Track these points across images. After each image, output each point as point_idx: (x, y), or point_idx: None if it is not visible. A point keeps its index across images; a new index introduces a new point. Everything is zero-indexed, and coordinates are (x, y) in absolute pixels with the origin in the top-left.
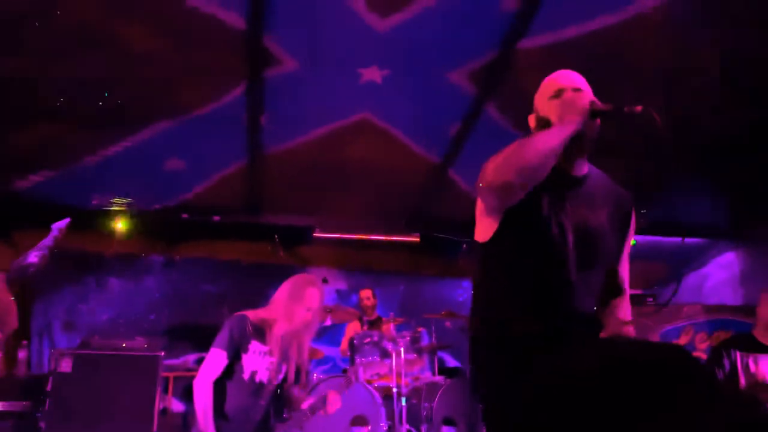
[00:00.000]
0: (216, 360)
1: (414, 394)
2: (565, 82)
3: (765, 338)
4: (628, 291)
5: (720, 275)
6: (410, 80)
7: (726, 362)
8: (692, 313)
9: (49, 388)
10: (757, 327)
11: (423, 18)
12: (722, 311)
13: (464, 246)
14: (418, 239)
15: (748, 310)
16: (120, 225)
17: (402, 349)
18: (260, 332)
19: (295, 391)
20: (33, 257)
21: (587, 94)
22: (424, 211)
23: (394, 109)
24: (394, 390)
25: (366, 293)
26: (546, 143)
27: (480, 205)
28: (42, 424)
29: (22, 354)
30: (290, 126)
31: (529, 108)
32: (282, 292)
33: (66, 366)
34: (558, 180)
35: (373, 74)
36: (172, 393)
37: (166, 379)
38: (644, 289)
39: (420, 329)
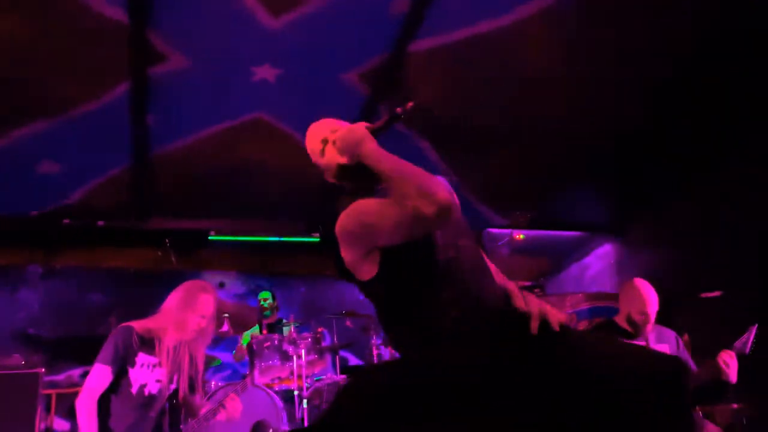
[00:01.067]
0: (100, 376)
1: (316, 395)
2: (322, 132)
3: (625, 324)
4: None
5: (598, 265)
6: (303, 80)
7: None
8: (575, 302)
9: None
10: (619, 314)
11: (315, 18)
12: (601, 299)
13: None
14: (318, 239)
15: None
16: None
17: (303, 351)
18: (148, 343)
19: (195, 399)
20: None
21: (350, 126)
22: (323, 211)
23: (289, 109)
24: (296, 393)
25: (265, 295)
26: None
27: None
28: None
29: None
30: (180, 126)
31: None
32: (172, 300)
33: None
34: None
35: (266, 72)
36: (55, 411)
37: (48, 396)
38: (532, 280)
39: (321, 329)
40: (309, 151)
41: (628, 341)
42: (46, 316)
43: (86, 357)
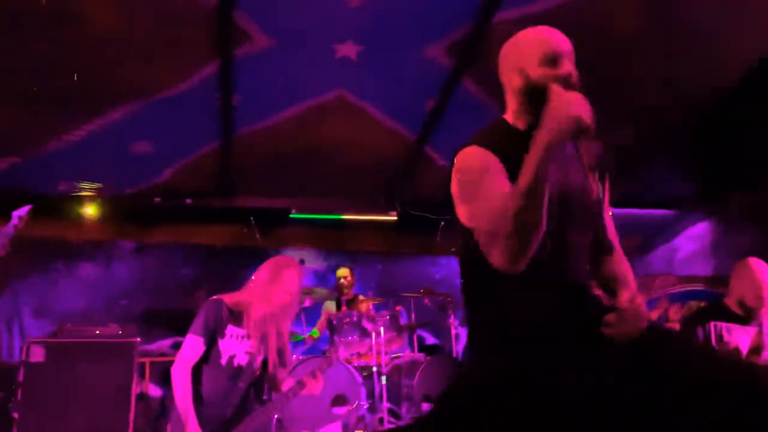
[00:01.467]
0: (192, 346)
1: (394, 372)
2: (563, 47)
3: (737, 308)
4: (618, 246)
5: (690, 247)
6: (385, 55)
7: (700, 332)
8: (665, 285)
9: (20, 378)
10: (730, 297)
11: None
12: (695, 282)
13: (442, 224)
14: (395, 218)
15: (720, 280)
16: (89, 210)
17: (381, 328)
18: (237, 316)
19: (279, 374)
20: None
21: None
22: (401, 189)
23: (370, 86)
24: (374, 369)
25: (344, 272)
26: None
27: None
28: (15, 415)
29: None
30: (263, 105)
31: None
32: (260, 275)
33: (38, 355)
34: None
35: (347, 50)
36: (149, 378)
37: (143, 364)
38: None
39: (398, 308)
40: (522, 52)
41: (739, 326)
42: (138, 290)
43: (176, 328)
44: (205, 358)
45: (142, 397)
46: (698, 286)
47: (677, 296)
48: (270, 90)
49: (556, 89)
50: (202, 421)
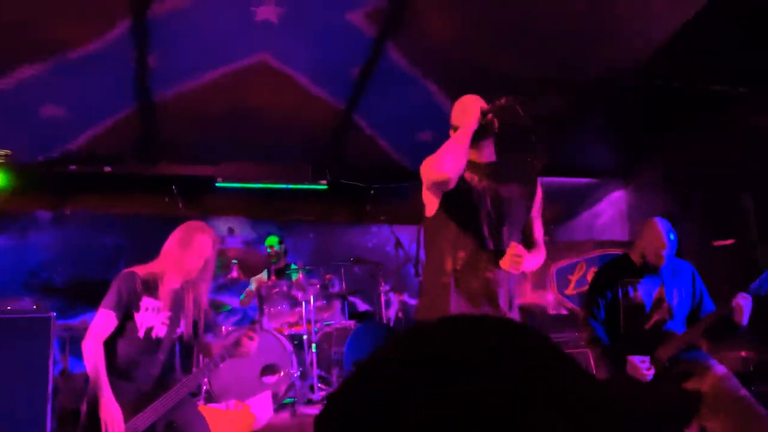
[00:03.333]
0: (104, 320)
1: (324, 340)
2: (469, 102)
3: (639, 261)
4: (540, 243)
5: (610, 212)
6: (308, 20)
7: (609, 294)
8: (584, 249)
9: None
10: (634, 251)
11: None
12: (612, 246)
13: (372, 192)
14: (325, 186)
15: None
16: (0, 179)
17: (311, 297)
18: (151, 287)
19: (207, 339)
20: None
21: (479, 103)
22: (331, 157)
23: (293, 52)
24: (305, 337)
25: (272, 241)
26: (454, 143)
27: (425, 191)
28: None
29: None
30: (182, 68)
31: (431, 49)
32: (171, 242)
33: None
34: (474, 168)
35: (268, 13)
36: (69, 353)
37: (63, 339)
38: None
39: (329, 276)
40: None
41: (643, 279)
42: (58, 261)
43: (100, 301)
44: (119, 331)
45: (64, 372)
46: (616, 251)
47: (595, 260)
48: (188, 52)
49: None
50: (119, 394)
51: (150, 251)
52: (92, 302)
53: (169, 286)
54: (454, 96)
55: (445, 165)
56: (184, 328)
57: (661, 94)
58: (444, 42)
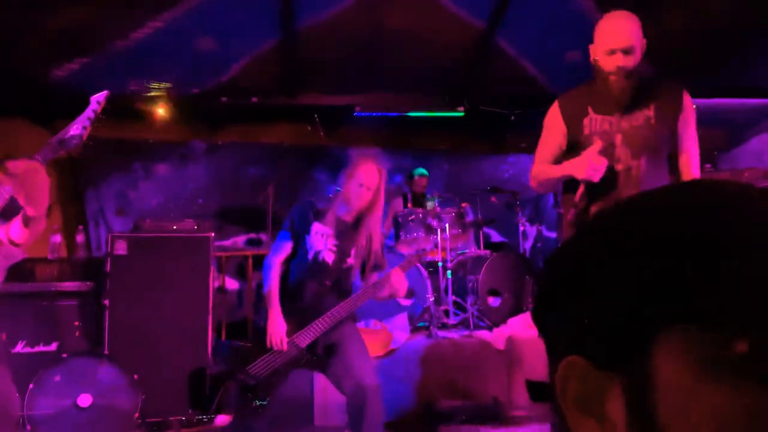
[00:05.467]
0: (281, 242)
1: (459, 267)
2: (618, 44)
3: None
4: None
5: None
6: None
7: None
8: (753, 178)
9: (107, 269)
10: None
11: None
12: None
13: (512, 119)
14: (462, 113)
15: None
16: (161, 111)
17: (447, 225)
18: (322, 214)
19: (372, 275)
20: (74, 129)
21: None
22: (469, 82)
23: None
24: (439, 264)
25: (422, 181)
26: (547, 176)
27: None
28: (105, 302)
29: (80, 238)
30: None
31: None
32: (342, 174)
33: (121, 248)
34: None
35: None
36: (225, 272)
37: (219, 259)
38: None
39: (464, 205)
40: (597, 34)
41: None
42: (211, 188)
43: (249, 225)
44: (293, 254)
45: (221, 290)
46: None
47: None
48: None
49: (590, 149)
50: (286, 312)
51: (294, 179)
52: (241, 226)
53: (337, 214)
54: (607, 7)
55: (536, 188)
56: (353, 260)
57: None
58: None
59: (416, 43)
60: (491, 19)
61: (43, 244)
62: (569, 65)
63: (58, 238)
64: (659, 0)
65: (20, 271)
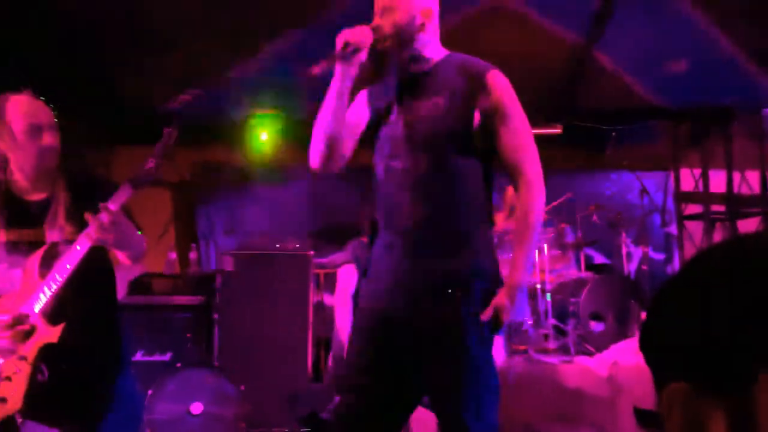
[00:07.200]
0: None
1: (559, 290)
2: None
3: None
4: (526, 174)
5: None
6: None
7: None
8: None
9: (217, 284)
10: None
11: None
12: None
13: (613, 134)
14: (560, 131)
15: None
16: (267, 136)
17: (545, 246)
18: None
19: None
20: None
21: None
22: (567, 99)
23: None
24: (538, 286)
25: (512, 190)
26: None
27: None
28: (215, 315)
29: (193, 255)
30: None
31: None
32: None
33: (229, 265)
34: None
35: None
36: (323, 289)
37: (317, 276)
38: None
39: (563, 225)
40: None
41: None
42: (310, 209)
43: (343, 244)
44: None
45: (320, 305)
46: None
47: None
48: None
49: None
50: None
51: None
52: (338, 245)
53: None
54: (715, 16)
55: (317, 135)
56: None
57: None
58: None
59: (513, 64)
60: (589, 33)
61: (160, 260)
62: (671, 75)
63: (173, 255)
64: None
65: (139, 285)
